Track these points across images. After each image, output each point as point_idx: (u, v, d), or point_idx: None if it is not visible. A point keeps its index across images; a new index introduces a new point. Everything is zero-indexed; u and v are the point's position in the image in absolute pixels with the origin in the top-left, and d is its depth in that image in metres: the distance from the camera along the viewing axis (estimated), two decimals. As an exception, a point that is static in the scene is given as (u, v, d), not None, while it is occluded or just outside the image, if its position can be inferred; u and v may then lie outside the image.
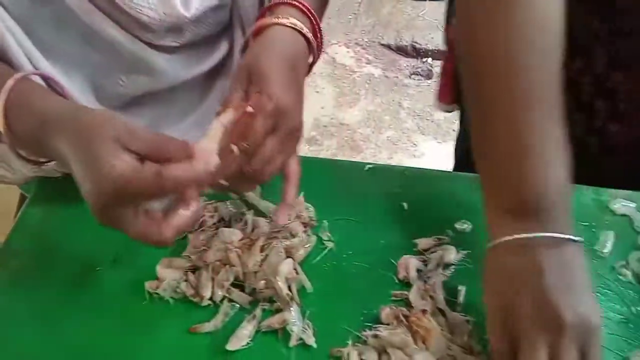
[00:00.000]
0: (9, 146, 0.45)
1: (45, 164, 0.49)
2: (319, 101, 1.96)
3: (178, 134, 0.43)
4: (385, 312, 0.48)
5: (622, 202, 0.56)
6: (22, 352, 0.48)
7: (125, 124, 0.39)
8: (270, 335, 0.48)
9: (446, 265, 0.52)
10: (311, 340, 0.47)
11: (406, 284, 0.51)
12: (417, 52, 2.14)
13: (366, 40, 2.26)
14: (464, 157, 0.77)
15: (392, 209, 0.58)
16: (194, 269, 0.52)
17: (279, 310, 0.49)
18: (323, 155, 1.78)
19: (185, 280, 0.51)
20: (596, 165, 0.62)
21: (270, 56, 0.48)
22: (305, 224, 0.56)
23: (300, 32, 0.51)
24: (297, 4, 0.51)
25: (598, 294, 0.50)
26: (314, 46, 0.53)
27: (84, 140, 0.38)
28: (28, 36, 0.48)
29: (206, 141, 0.43)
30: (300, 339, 0.47)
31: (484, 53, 0.44)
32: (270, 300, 0.50)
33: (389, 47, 2.21)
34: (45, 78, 0.48)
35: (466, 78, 0.47)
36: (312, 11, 0.52)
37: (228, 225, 0.56)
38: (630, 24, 0.54)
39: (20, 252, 0.55)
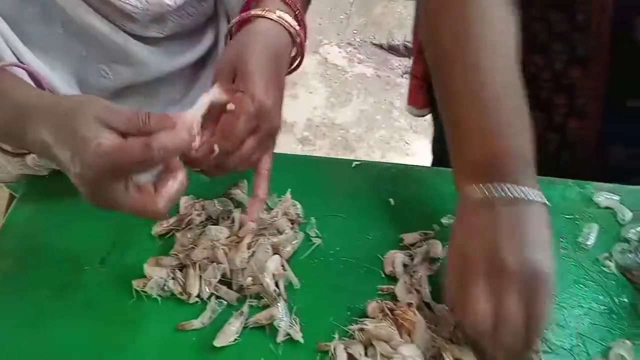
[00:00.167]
0: None
1: (27, 155, 0.49)
2: (311, 101, 1.97)
3: None
4: (372, 306, 0.48)
5: (605, 195, 0.56)
6: (10, 352, 0.48)
7: (105, 103, 0.40)
8: (257, 331, 0.48)
9: (432, 260, 0.52)
10: (298, 336, 0.47)
11: (393, 279, 0.51)
12: (409, 52, 2.14)
13: (358, 40, 2.27)
14: (441, 157, 0.78)
15: (379, 205, 0.58)
16: (182, 267, 0.52)
17: (266, 307, 0.50)
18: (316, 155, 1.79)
19: (173, 278, 0.51)
20: (557, 161, 0.63)
21: (255, 53, 0.49)
22: (292, 221, 0.56)
23: (284, 26, 0.51)
24: None
25: (581, 285, 0.50)
26: (297, 41, 0.53)
27: (66, 124, 0.39)
28: (12, 28, 0.48)
29: (191, 112, 0.44)
30: (288, 334, 0.48)
31: (443, 22, 0.47)
32: (258, 297, 0.50)
33: (381, 46, 2.22)
34: (27, 71, 0.48)
35: (430, 49, 0.50)
36: (297, 5, 0.53)
37: (215, 223, 0.56)
38: (587, 17, 0.54)
39: (8, 252, 0.55)
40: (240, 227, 0.55)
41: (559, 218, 0.55)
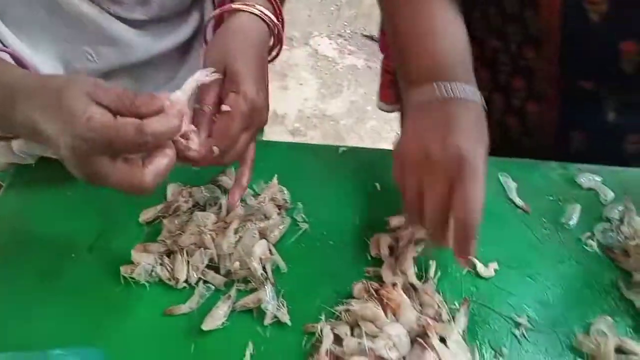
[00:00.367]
0: None
1: (12, 139, 0.49)
2: (302, 93, 1.97)
3: None
4: (357, 287, 0.49)
5: (588, 176, 0.57)
6: (-2, 339, 0.48)
7: (94, 81, 0.40)
8: (245, 315, 0.49)
9: (417, 242, 0.53)
10: (286, 318, 0.48)
11: (379, 261, 0.52)
12: (399, 43, 2.15)
13: (348, 31, 2.27)
14: None
15: (365, 190, 0.59)
16: (169, 253, 0.53)
17: (253, 291, 0.50)
18: (307, 146, 1.79)
19: (161, 264, 0.52)
20: (519, 147, 0.64)
21: (242, 53, 0.49)
22: (279, 207, 0.56)
23: (264, 20, 0.52)
24: None
25: (564, 264, 0.51)
26: (275, 32, 0.54)
27: (55, 100, 0.38)
28: None
29: (179, 95, 0.45)
30: (275, 317, 0.48)
31: None
32: (245, 281, 0.51)
33: (371, 38, 2.22)
34: (11, 55, 0.48)
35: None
36: None
37: (203, 209, 0.56)
38: None
39: (-5, 241, 0.55)
40: (227, 213, 0.55)
41: (542, 199, 0.56)
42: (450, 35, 0.50)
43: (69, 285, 0.51)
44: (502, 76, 0.63)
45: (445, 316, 0.46)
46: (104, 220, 0.56)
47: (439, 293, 0.48)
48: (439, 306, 0.46)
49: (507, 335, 0.46)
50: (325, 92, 1.99)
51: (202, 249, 0.52)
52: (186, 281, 0.51)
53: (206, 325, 0.48)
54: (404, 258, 0.51)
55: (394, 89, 0.77)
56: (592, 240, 0.53)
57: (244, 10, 0.52)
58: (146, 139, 0.39)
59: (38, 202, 0.58)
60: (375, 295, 0.47)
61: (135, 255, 0.52)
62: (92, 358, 0.46)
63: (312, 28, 2.28)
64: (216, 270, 0.52)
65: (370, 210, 0.56)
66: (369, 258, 0.53)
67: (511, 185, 0.57)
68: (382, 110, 0.81)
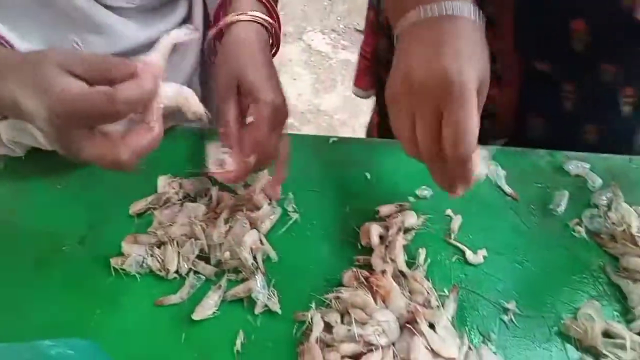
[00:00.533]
0: None
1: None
2: (296, 88, 1.96)
3: None
4: (347, 275, 0.49)
5: (576, 163, 0.58)
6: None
7: (67, 51, 0.40)
8: (236, 304, 0.49)
9: (407, 230, 0.53)
10: (276, 307, 0.48)
11: (369, 250, 0.52)
12: (392, 37, 2.15)
13: (342, 26, 2.26)
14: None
15: (355, 180, 0.59)
16: (160, 244, 0.53)
17: (244, 280, 0.50)
18: (301, 141, 1.79)
19: (151, 255, 0.52)
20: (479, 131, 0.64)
21: (250, 64, 0.50)
22: (270, 197, 0.56)
23: (260, 23, 0.53)
24: None
25: (552, 250, 0.52)
26: (272, 32, 0.55)
27: (31, 75, 0.39)
28: None
29: (154, 55, 0.44)
30: (266, 305, 0.48)
31: None
32: (236, 271, 0.51)
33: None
34: None
35: None
36: None
37: (193, 200, 0.56)
38: None
39: (-15, 235, 0.55)
40: (217, 204, 0.55)
41: (531, 186, 0.56)
42: None
43: (59, 277, 0.51)
44: None
45: (434, 302, 0.46)
46: (95, 212, 0.56)
47: (429, 280, 0.49)
48: (428, 293, 0.47)
49: (495, 320, 0.47)
50: (319, 87, 1.99)
51: (192, 239, 0.52)
52: (177, 272, 0.51)
53: (197, 315, 0.48)
54: (394, 246, 0.51)
55: (370, 76, 0.77)
56: (580, 226, 0.53)
57: (240, 21, 0.52)
58: (118, 107, 0.38)
59: (28, 195, 0.57)
60: (365, 282, 0.47)
61: (126, 246, 0.52)
62: (83, 349, 0.46)
63: (305, 23, 2.27)
64: (207, 260, 0.52)
65: (361, 200, 0.57)
66: (360, 247, 0.53)
67: (500, 173, 0.57)
68: (357, 95, 0.81)
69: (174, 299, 0.49)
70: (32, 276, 0.51)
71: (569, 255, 0.51)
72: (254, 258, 0.51)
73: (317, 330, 0.45)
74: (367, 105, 1.88)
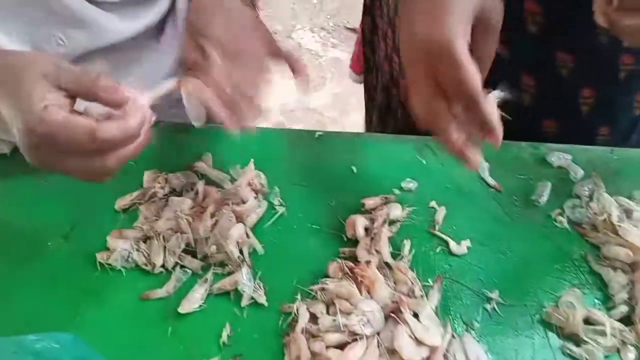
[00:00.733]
0: None
1: None
2: (285, 86, 1.96)
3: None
4: (332, 266, 0.49)
5: (559, 154, 0.58)
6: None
7: (54, 61, 0.39)
8: (222, 297, 0.49)
9: (392, 222, 0.53)
10: (262, 299, 0.48)
11: (354, 242, 0.52)
12: (382, 35, 2.16)
13: (331, 24, 2.27)
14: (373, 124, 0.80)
15: (342, 173, 0.59)
16: (145, 239, 0.53)
17: (230, 274, 0.50)
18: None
19: (137, 250, 0.52)
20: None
21: (209, 13, 0.49)
22: (256, 191, 0.57)
23: None
24: None
25: (534, 240, 0.52)
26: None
27: (14, 81, 0.38)
28: None
29: (146, 97, 0.43)
30: (252, 298, 0.49)
31: None
32: (222, 265, 0.51)
33: (354, 30, 2.22)
34: None
35: None
36: None
37: (179, 195, 0.56)
38: None
39: (-31, 232, 0.54)
40: (204, 198, 0.55)
41: (514, 178, 0.57)
42: None
43: (45, 272, 0.51)
44: None
45: (418, 292, 0.47)
46: (80, 208, 0.56)
47: (413, 270, 0.49)
48: (412, 283, 0.47)
49: (478, 309, 0.47)
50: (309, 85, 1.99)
51: (178, 233, 0.52)
52: (163, 266, 0.51)
53: (183, 308, 0.48)
54: (379, 238, 0.51)
55: (364, 60, 0.78)
56: (562, 216, 0.54)
57: None
58: (98, 145, 0.38)
59: (13, 192, 0.57)
60: (350, 273, 0.47)
61: (111, 241, 0.52)
62: (68, 343, 0.45)
63: (295, 21, 2.28)
64: (193, 254, 0.52)
65: (346, 193, 0.57)
66: (345, 239, 0.53)
67: (484, 166, 0.58)
68: (352, 80, 0.82)
69: (160, 292, 0.49)
70: (18, 271, 0.51)
71: (551, 245, 0.52)
72: (240, 251, 0.51)
73: (303, 321, 0.45)
74: (357, 103, 1.89)
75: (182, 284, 0.50)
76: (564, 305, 0.47)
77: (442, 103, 0.42)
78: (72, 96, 0.38)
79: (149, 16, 0.59)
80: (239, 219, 0.53)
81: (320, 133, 0.63)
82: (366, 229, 0.53)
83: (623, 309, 0.47)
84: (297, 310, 0.47)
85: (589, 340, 0.45)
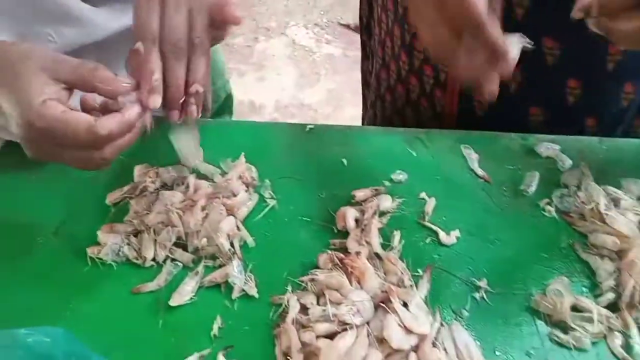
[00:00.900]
0: None
1: None
2: (280, 83, 1.96)
3: None
4: (322, 257, 0.49)
5: (547, 145, 0.59)
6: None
7: (51, 54, 0.39)
8: (213, 290, 0.49)
9: (382, 213, 0.54)
10: (253, 291, 0.49)
11: (345, 234, 0.53)
12: (375, 31, 2.16)
13: (325, 20, 2.27)
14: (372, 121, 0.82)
15: (332, 166, 0.60)
16: (136, 233, 0.53)
17: (221, 266, 0.51)
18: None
19: (128, 244, 0.52)
20: (419, 110, 0.67)
21: None
22: (247, 184, 0.57)
23: None
24: None
25: (523, 229, 0.53)
26: None
27: (12, 74, 0.38)
28: None
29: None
30: (243, 290, 0.49)
31: None
32: (213, 257, 0.51)
33: (348, 26, 2.23)
34: None
35: None
36: None
37: (170, 189, 0.56)
38: None
39: (-41, 228, 0.54)
40: (195, 191, 0.56)
41: (503, 169, 0.57)
42: None
43: (35, 267, 0.51)
44: (417, 62, 0.65)
45: (407, 282, 0.47)
46: (70, 203, 0.56)
47: (403, 261, 0.49)
48: (402, 273, 0.48)
49: (467, 298, 0.48)
50: (303, 82, 1.99)
51: (169, 227, 0.52)
52: (154, 259, 0.51)
53: (174, 301, 0.48)
54: (369, 229, 0.52)
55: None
56: (550, 206, 0.54)
57: None
58: (97, 139, 0.38)
59: (3, 187, 0.57)
60: (340, 264, 0.48)
61: (102, 235, 0.52)
62: (59, 337, 0.46)
63: (288, 18, 2.27)
64: (184, 247, 0.52)
65: (337, 185, 0.57)
66: (336, 231, 0.53)
67: (473, 157, 0.58)
68: None
69: (151, 286, 0.50)
70: (8, 267, 0.51)
71: (540, 234, 0.52)
72: (231, 244, 0.51)
73: (294, 312, 0.46)
74: (351, 99, 1.89)
75: (173, 277, 0.50)
76: (552, 293, 0.47)
77: (447, 31, 0.42)
78: (70, 88, 0.39)
79: None
80: (230, 212, 0.54)
81: (311, 126, 0.63)
82: (356, 221, 0.53)
83: (610, 296, 0.47)
84: (287, 301, 0.47)
85: (577, 327, 0.45)
